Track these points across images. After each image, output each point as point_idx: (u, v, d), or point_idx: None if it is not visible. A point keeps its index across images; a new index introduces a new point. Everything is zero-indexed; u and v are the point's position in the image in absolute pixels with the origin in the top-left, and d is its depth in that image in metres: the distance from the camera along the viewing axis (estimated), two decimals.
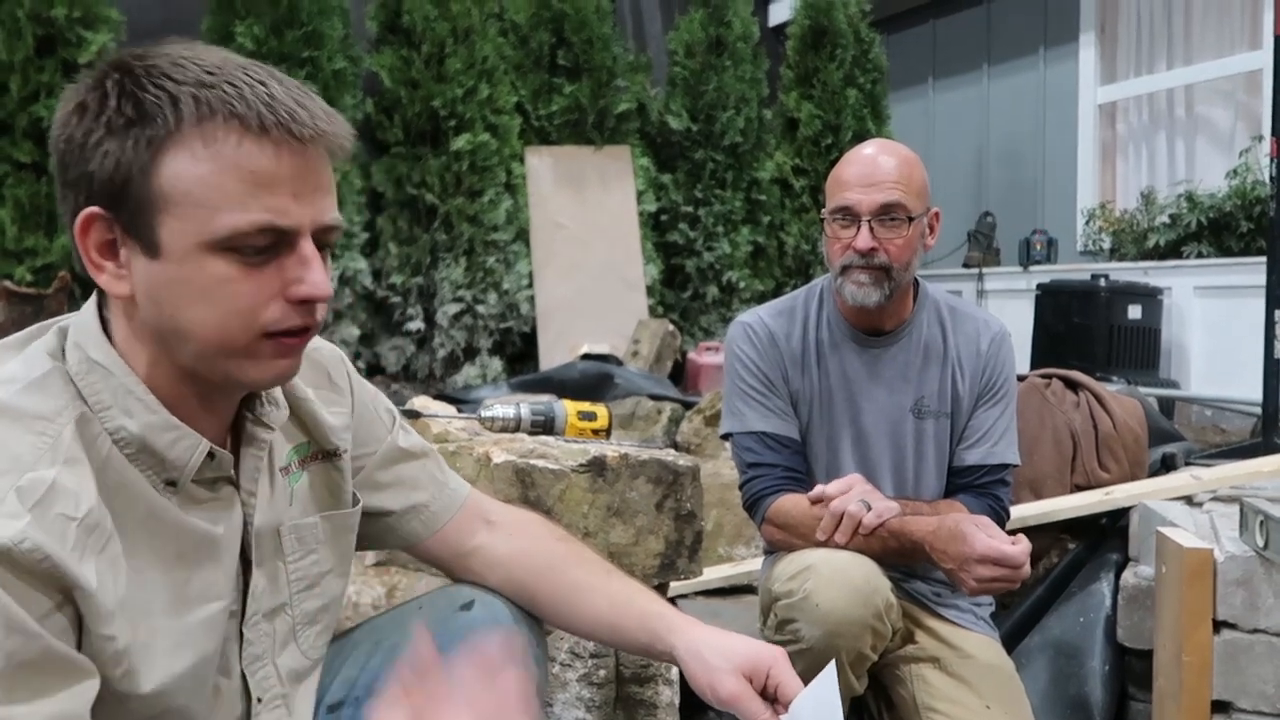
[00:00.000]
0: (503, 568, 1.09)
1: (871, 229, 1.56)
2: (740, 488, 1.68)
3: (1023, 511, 2.12)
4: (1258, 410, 3.23)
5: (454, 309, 4.98)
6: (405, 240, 4.96)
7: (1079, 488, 2.29)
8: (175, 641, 0.82)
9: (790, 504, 1.59)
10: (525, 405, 1.81)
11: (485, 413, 1.80)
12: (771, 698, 0.98)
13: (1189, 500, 2.07)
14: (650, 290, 5.45)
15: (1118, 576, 1.96)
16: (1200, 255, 5.06)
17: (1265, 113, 4.18)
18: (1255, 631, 1.63)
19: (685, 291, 5.74)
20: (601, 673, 1.56)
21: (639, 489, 1.59)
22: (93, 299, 0.85)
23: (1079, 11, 6.01)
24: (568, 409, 1.84)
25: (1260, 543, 1.61)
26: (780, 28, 6.65)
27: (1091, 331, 4.67)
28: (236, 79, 0.77)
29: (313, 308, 0.82)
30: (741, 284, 5.71)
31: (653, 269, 5.48)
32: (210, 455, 0.84)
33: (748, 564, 2.60)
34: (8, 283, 3.43)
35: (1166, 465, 2.54)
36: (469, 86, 4.94)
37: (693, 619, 1.07)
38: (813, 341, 1.67)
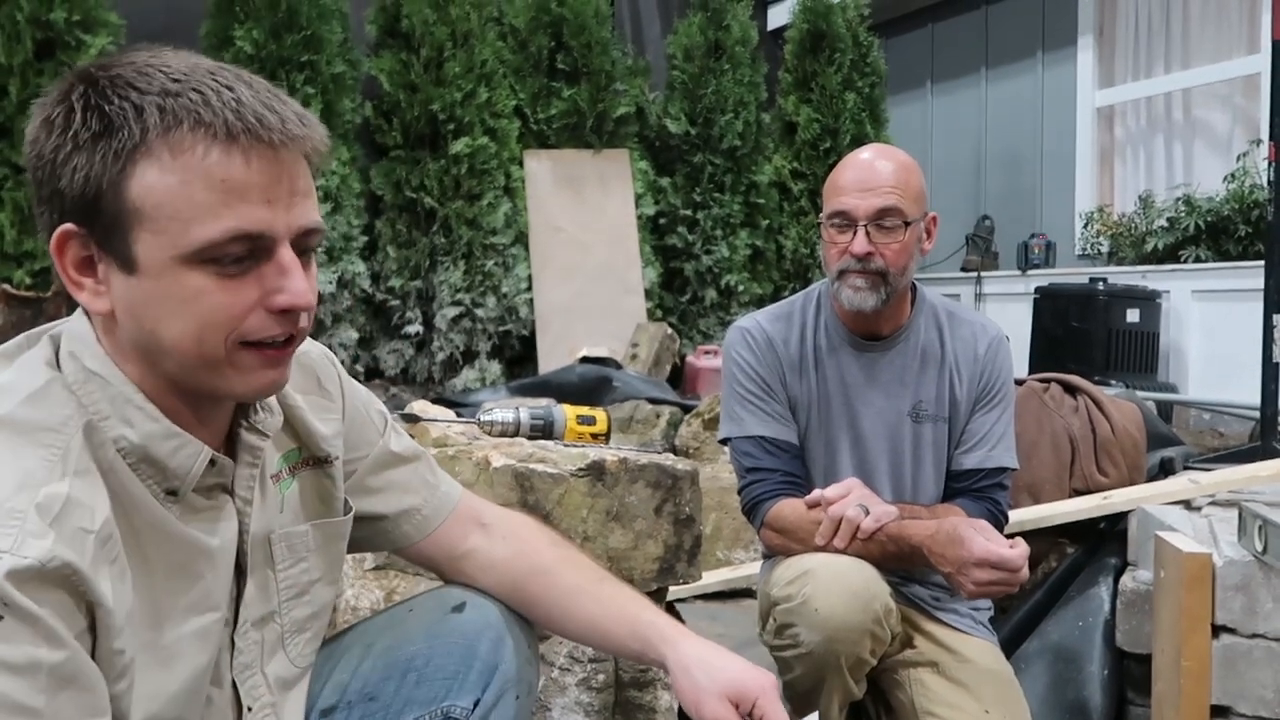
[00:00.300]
0: (495, 570, 1.09)
1: (868, 233, 1.56)
2: (739, 492, 1.68)
3: (1021, 516, 2.12)
4: (1256, 414, 3.24)
5: (453, 312, 4.98)
6: (404, 244, 4.96)
7: (1077, 492, 2.30)
8: (173, 653, 0.82)
9: (789, 509, 1.59)
10: (524, 410, 1.81)
11: (484, 417, 1.80)
12: None
13: (1187, 505, 2.06)
14: (649, 294, 5.45)
15: (1116, 581, 1.96)
16: (1198, 259, 5.07)
17: (1263, 117, 4.19)
18: (1254, 636, 1.63)
19: (684, 295, 5.74)
20: (600, 677, 1.56)
21: (638, 493, 1.59)
22: (81, 307, 0.83)
23: (1077, 15, 6.02)
24: (567, 413, 1.84)
25: (1259, 547, 1.61)
26: (779, 31, 6.65)
27: (1090, 335, 4.67)
28: (203, 85, 0.75)
29: (295, 316, 0.80)
30: (740, 287, 5.71)
31: (651, 272, 5.48)
32: (212, 462, 0.84)
33: (746, 568, 2.60)
34: (6, 286, 3.43)
35: (1165, 469, 2.54)
36: (468, 90, 4.95)
37: (685, 630, 1.07)
38: (810, 346, 1.67)
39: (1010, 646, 1.96)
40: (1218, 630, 1.64)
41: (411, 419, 1.84)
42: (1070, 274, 5.48)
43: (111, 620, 0.74)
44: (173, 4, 4.77)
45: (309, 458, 0.97)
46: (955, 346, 1.67)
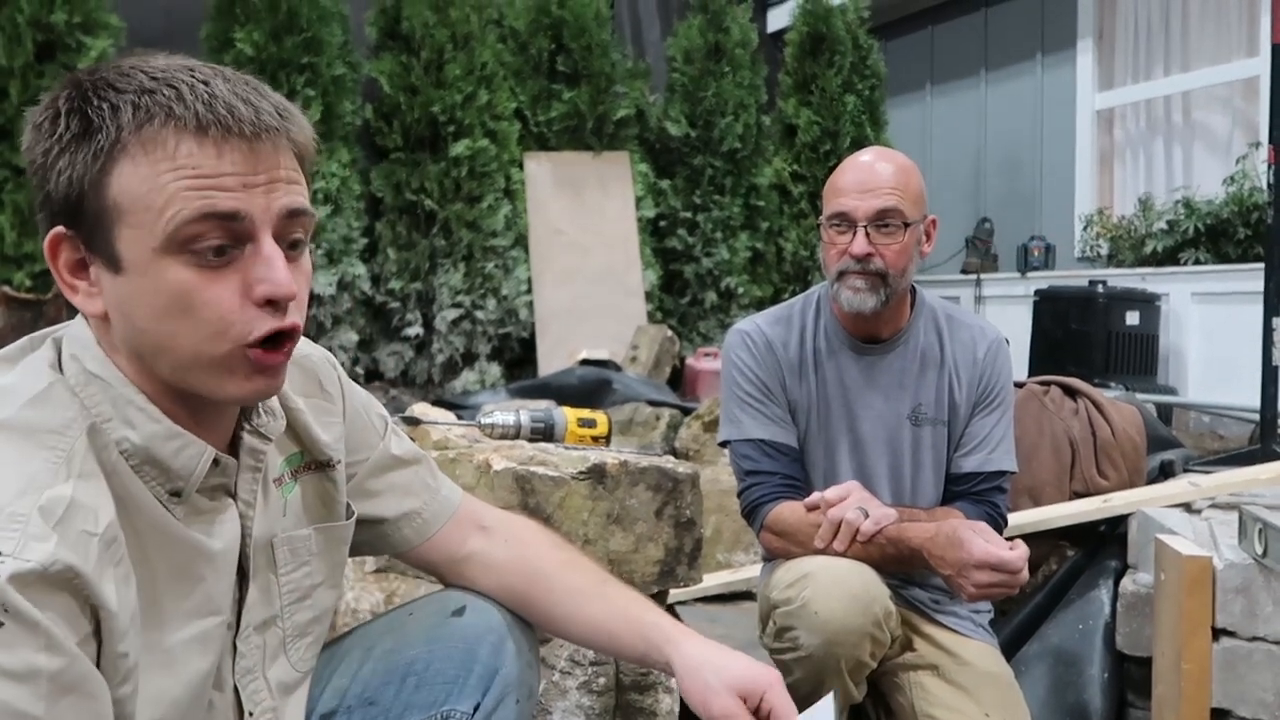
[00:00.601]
0: (497, 573, 1.09)
1: (868, 234, 1.56)
2: (738, 495, 1.68)
3: (1021, 519, 2.12)
4: (1255, 416, 3.24)
5: (453, 314, 4.98)
6: (404, 246, 4.96)
7: (1078, 495, 2.30)
8: (176, 657, 0.82)
9: (788, 512, 1.59)
10: (525, 412, 1.81)
11: (485, 420, 1.80)
12: None
13: (1187, 507, 2.06)
14: (649, 296, 5.45)
15: (1116, 584, 1.96)
16: (1198, 262, 5.07)
17: (1262, 119, 4.20)
18: (1254, 639, 1.62)
19: (684, 297, 5.74)
20: (601, 680, 1.56)
21: (638, 496, 1.59)
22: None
23: (1076, 18, 6.03)
24: (567, 416, 1.84)
25: (1259, 550, 1.61)
26: (779, 34, 6.66)
27: (1089, 338, 4.67)
28: (179, 81, 0.76)
29: (283, 308, 0.78)
30: (740, 290, 5.71)
31: (651, 275, 5.49)
32: (215, 463, 0.84)
33: (747, 570, 2.60)
34: (7, 288, 3.43)
35: (1165, 472, 2.54)
36: (468, 92, 4.95)
37: (689, 630, 1.07)
38: (810, 349, 1.67)
39: (1010, 649, 1.96)
40: (1218, 633, 1.64)
41: (412, 421, 1.84)
42: (1070, 276, 5.48)
43: (115, 624, 0.74)
44: (173, 6, 4.77)
45: (311, 461, 0.97)
46: (954, 349, 1.67)
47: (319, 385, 1.00)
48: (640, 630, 1.06)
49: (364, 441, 1.04)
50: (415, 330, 4.98)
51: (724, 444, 1.70)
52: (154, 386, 0.81)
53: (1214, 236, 5.08)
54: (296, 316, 0.80)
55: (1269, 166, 3.04)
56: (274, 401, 0.90)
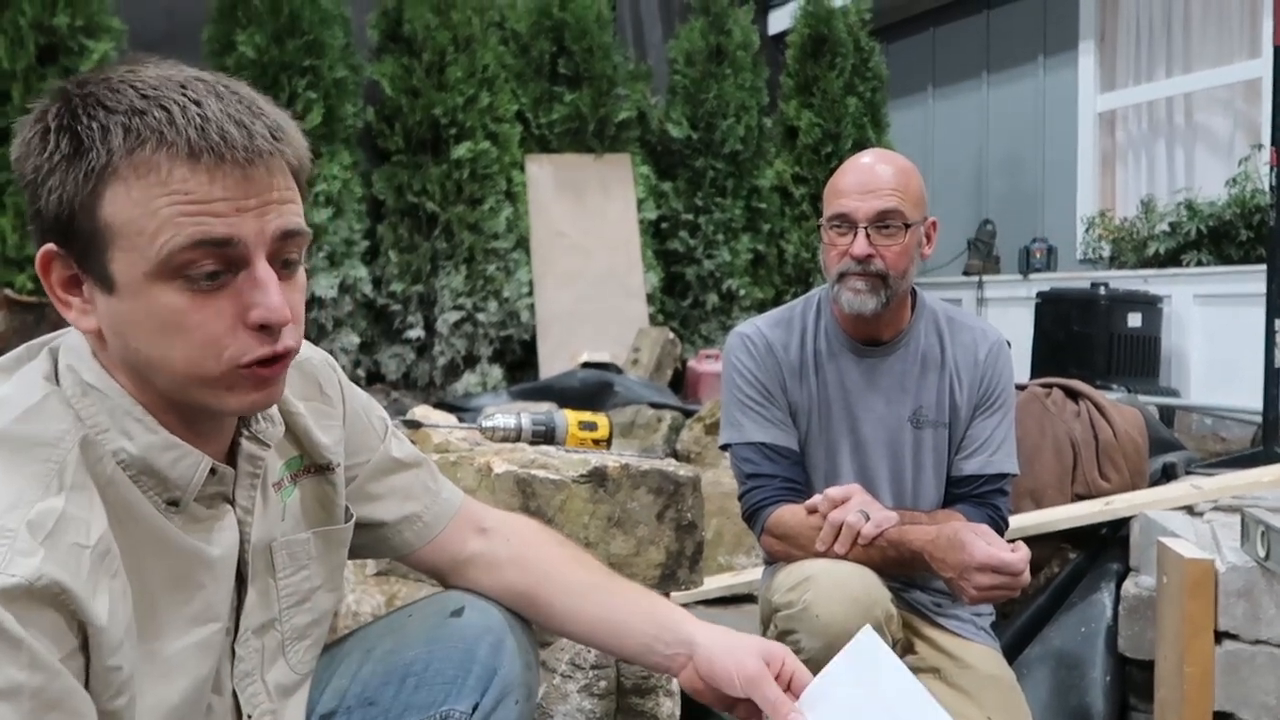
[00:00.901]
0: (500, 572, 1.09)
1: (868, 235, 1.56)
2: (739, 498, 1.68)
3: (1023, 521, 2.12)
4: (1258, 419, 3.23)
5: (454, 317, 4.99)
6: (406, 248, 4.96)
7: (1080, 497, 2.29)
8: (175, 665, 0.82)
9: (789, 515, 1.58)
10: (526, 415, 1.81)
11: (486, 423, 1.80)
12: (784, 687, 1.00)
13: (1190, 510, 2.06)
14: (650, 298, 5.45)
15: (1118, 586, 1.96)
16: (1200, 263, 5.06)
17: (1264, 121, 4.18)
18: (1257, 643, 1.62)
19: (685, 299, 5.74)
20: (602, 684, 1.56)
21: (640, 499, 1.59)
22: None
23: (1078, 20, 6.02)
24: (569, 419, 1.84)
25: (1262, 553, 1.61)
26: (780, 36, 6.66)
27: (1091, 340, 4.67)
28: (170, 101, 0.75)
29: (275, 332, 0.78)
30: (741, 292, 5.71)
31: (653, 277, 5.49)
32: (212, 471, 0.84)
33: (748, 573, 2.60)
34: (9, 291, 3.43)
35: (1167, 474, 2.54)
36: (470, 95, 4.96)
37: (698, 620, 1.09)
38: (810, 351, 1.67)
39: (1012, 652, 1.96)
40: (1220, 636, 1.64)
41: (413, 424, 1.85)
42: (1072, 278, 5.47)
43: (105, 638, 0.74)
44: (175, 9, 4.78)
45: (310, 465, 0.97)
46: (955, 351, 1.67)
47: (319, 389, 1.00)
48: (654, 615, 1.06)
49: (364, 444, 1.04)
50: (417, 333, 4.98)
51: (725, 447, 1.70)
52: (151, 398, 0.81)
53: (1216, 238, 5.07)
54: (291, 339, 0.80)
55: (1271, 168, 3.03)
56: (272, 407, 0.90)
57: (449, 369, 5.06)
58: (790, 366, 1.66)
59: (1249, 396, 3.63)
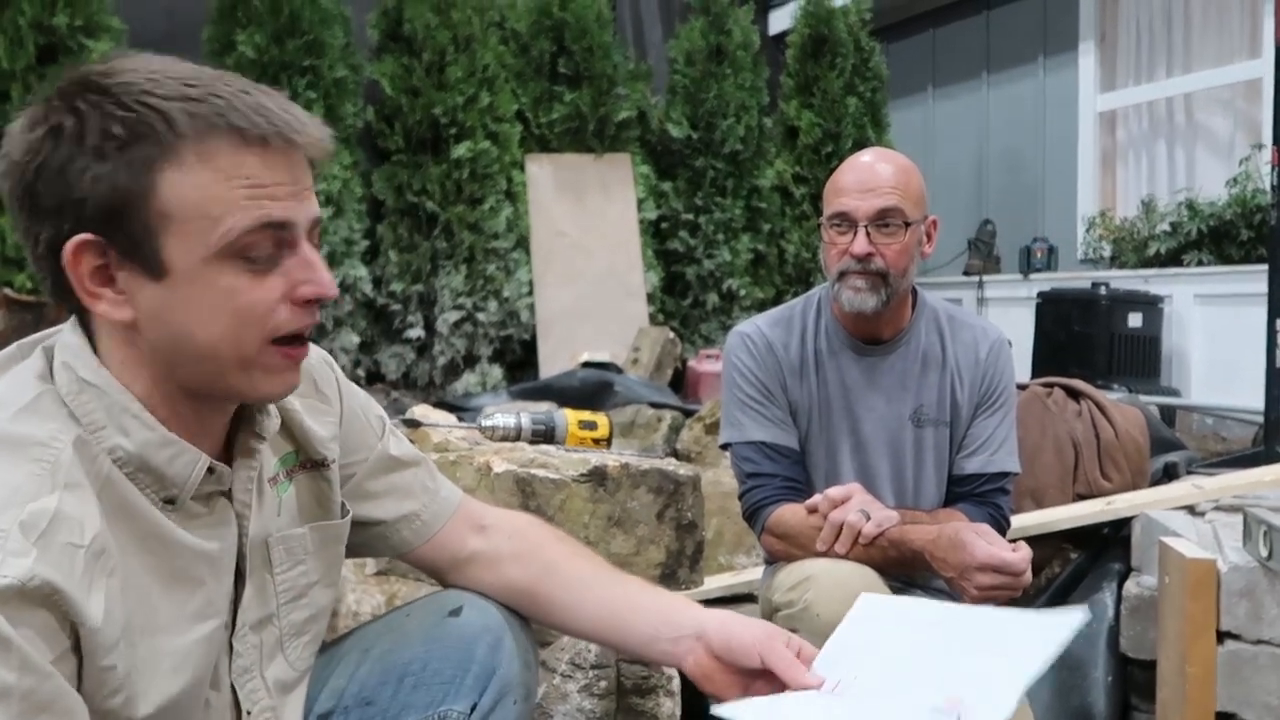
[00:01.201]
0: (500, 569, 1.08)
1: (868, 234, 1.56)
2: (739, 498, 1.67)
3: (1024, 521, 2.11)
4: (1259, 418, 3.23)
5: (454, 316, 4.98)
6: (406, 248, 4.96)
7: (1081, 497, 2.29)
8: (174, 663, 0.81)
9: (789, 514, 1.58)
10: (526, 415, 1.81)
11: (486, 422, 1.80)
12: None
13: (1191, 510, 2.06)
14: (650, 298, 5.45)
15: (1120, 586, 1.96)
16: (1201, 263, 5.06)
17: (1265, 121, 4.19)
18: (1259, 643, 1.62)
19: (685, 299, 5.74)
20: (602, 684, 1.55)
21: (640, 499, 1.59)
22: (73, 318, 0.83)
23: (1078, 19, 6.02)
24: (569, 418, 1.84)
25: (1264, 553, 1.61)
26: (780, 36, 6.66)
27: (1092, 340, 4.67)
28: (219, 90, 0.78)
29: (316, 308, 0.83)
30: (742, 291, 5.71)
31: (653, 276, 5.48)
32: (210, 470, 0.83)
33: (748, 573, 2.59)
34: (8, 290, 3.43)
35: (1168, 474, 2.53)
36: (470, 94, 4.95)
37: None
38: (811, 350, 1.67)
39: None
40: (1222, 636, 1.64)
41: (413, 424, 1.84)
42: (1072, 278, 5.47)
43: (99, 638, 0.73)
44: (175, 9, 4.78)
45: (306, 460, 0.97)
46: (956, 350, 1.66)
47: (314, 386, 1.00)
48: (656, 607, 1.06)
49: (362, 442, 1.04)
50: (416, 332, 4.98)
51: (725, 446, 1.70)
52: (162, 392, 0.81)
53: (1217, 238, 5.07)
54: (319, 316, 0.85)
55: (1272, 168, 3.03)
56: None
57: (449, 369, 5.06)
58: (790, 365, 1.66)
59: (1250, 396, 3.64)
